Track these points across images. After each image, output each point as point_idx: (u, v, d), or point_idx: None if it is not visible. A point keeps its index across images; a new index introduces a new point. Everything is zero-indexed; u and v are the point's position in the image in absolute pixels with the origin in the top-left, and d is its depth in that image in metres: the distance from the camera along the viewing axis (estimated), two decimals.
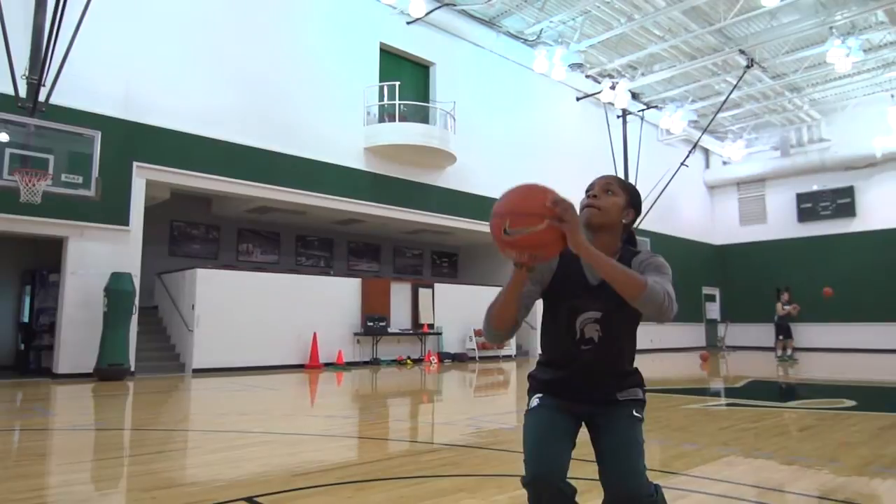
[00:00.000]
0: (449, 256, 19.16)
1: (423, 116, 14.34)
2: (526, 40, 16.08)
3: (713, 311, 24.46)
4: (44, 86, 8.58)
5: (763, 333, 21.47)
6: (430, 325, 14.35)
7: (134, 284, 9.73)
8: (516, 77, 16.63)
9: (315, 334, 12.23)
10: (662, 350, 20.24)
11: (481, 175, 15.36)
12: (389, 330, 13.45)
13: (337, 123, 13.03)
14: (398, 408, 6.87)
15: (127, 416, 6.08)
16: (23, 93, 8.46)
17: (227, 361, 11.01)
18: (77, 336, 9.49)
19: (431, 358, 13.91)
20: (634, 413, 1.83)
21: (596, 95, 17.95)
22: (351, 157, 13.28)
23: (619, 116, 19.37)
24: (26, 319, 11.41)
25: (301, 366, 12.00)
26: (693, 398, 7.39)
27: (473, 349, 14.83)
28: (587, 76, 18.06)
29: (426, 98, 14.94)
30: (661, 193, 19.33)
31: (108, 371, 9.15)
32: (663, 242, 20.50)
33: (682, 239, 22.83)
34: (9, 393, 7.85)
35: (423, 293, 14.53)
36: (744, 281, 23.85)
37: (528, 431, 1.83)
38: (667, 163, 20.26)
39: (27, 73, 8.50)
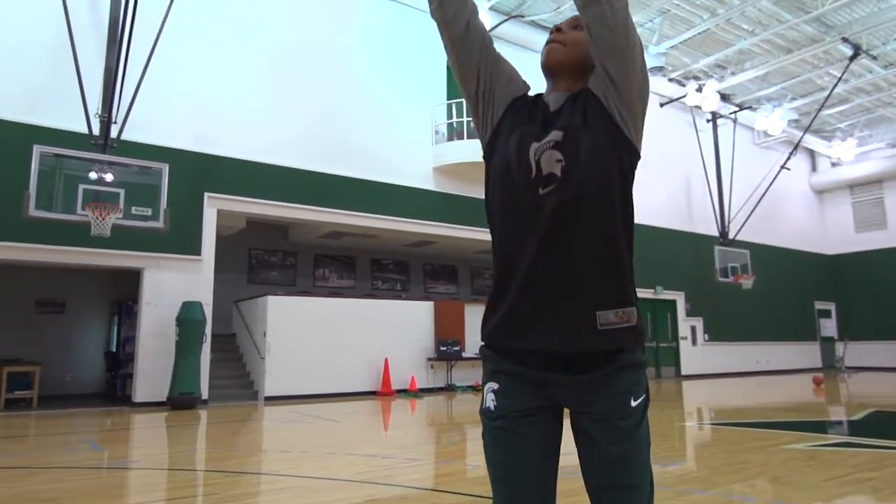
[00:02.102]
0: None
1: None
2: None
3: (829, 328, 22.11)
4: (115, 123, 8.90)
5: (889, 352, 19.14)
6: None
7: (204, 313, 9.82)
8: None
9: (387, 360, 11.94)
10: (771, 372, 18.46)
11: None
12: (464, 354, 12.95)
13: (405, 145, 12.84)
14: (449, 441, 6.34)
15: (161, 451, 5.93)
16: (96, 131, 8.80)
17: (298, 389, 10.90)
18: (153, 365, 9.66)
19: None
20: (633, 402, 1.27)
21: (681, 100, 16.82)
22: (420, 177, 13.03)
23: (708, 121, 18.12)
24: (114, 348, 11.87)
25: (373, 392, 11.72)
26: (798, 434, 6.35)
27: None
28: (670, 80, 16.96)
29: None
30: (759, 200, 17.82)
31: (180, 400, 9.23)
32: (766, 254, 18.81)
33: (788, 250, 20.87)
34: (81, 422, 8.02)
35: None
36: (863, 293, 21.41)
37: (489, 463, 1.34)
38: (766, 167, 18.72)
39: (99, 112, 8.84)
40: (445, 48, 1.53)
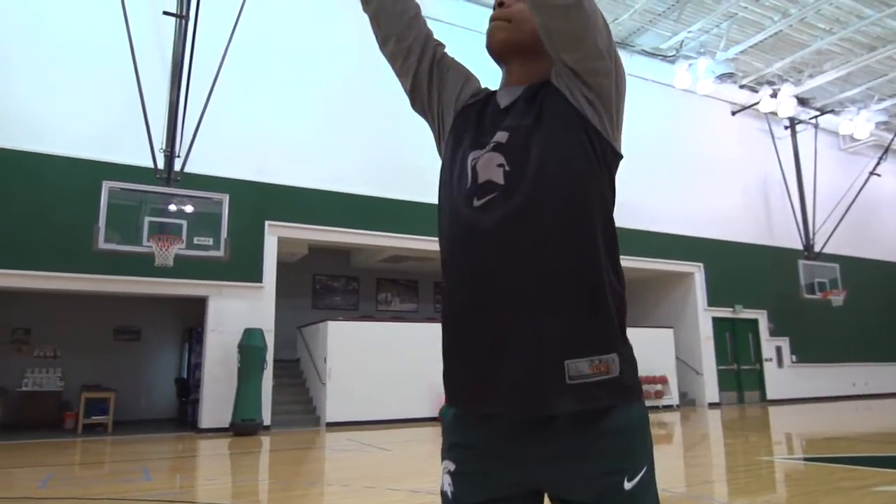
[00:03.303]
0: None
1: None
2: (664, 56, 14.77)
3: None
4: (178, 157, 9.25)
5: None
6: None
7: (265, 340, 9.96)
8: (657, 97, 15.27)
9: None
10: (869, 396, 16.94)
11: (621, 207, 14.02)
12: None
13: None
14: None
15: (201, 483, 5.93)
16: (161, 165, 9.17)
17: (359, 415, 10.84)
18: (217, 391, 9.86)
19: None
20: (626, 483, 0.98)
21: (755, 106, 15.92)
22: None
23: (786, 127, 17.07)
24: (184, 374, 12.25)
25: (434, 419, 11.51)
26: (893, 474, 5.65)
27: None
28: (741, 86, 16.11)
29: None
30: (847, 210, 16.56)
31: (242, 426, 9.34)
32: (858, 268, 17.39)
33: (883, 262, 19.23)
34: (145, 449, 8.22)
35: None
36: None
37: None
38: (853, 174, 17.44)
39: (164, 147, 9.22)
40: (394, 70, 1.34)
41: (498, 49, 1.18)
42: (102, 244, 8.32)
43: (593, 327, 1.02)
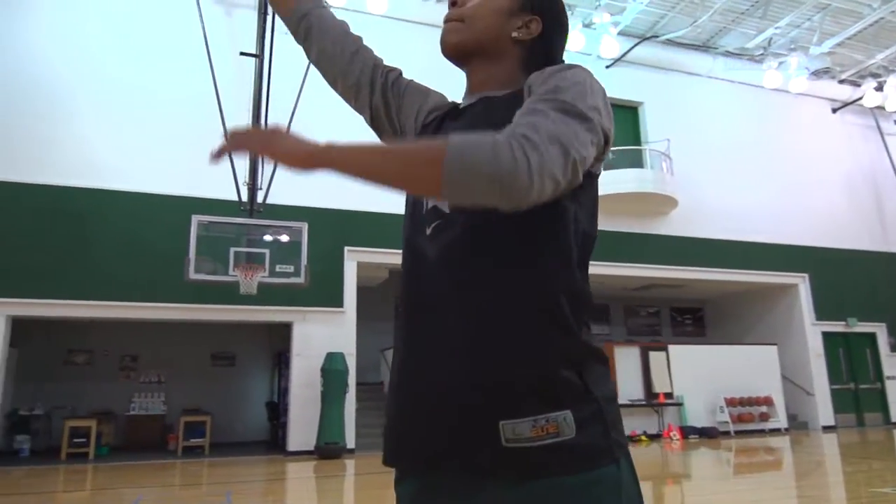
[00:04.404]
0: (692, 312, 16.90)
1: (633, 161, 13.11)
2: (752, 56, 13.97)
3: None
4: (260, 189, 9.68)
5: None
6: (668, 395, 12.50)
7: (346, 364, 10.13)
8: (745, 100, 14.46)
9: None
10: None
11: (715, 217, 13.39)
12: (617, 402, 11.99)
13: None
14: None
15: None
16: (244, 197, 9.62)
17: None
18: (304, 414, 10.10)
19: (672, 433, 12.01)
20: None
21: (857, 102, 14.70)
22: None
23: None
24: (275, 398, 12.67)
25: None
26: None
27: (726, 422, 12.47)
28: (841, 81, 14.94)
29: (637, 141, 13.71)
30: None
31: (326, 449, 9.49)
32: None
33: None
34: (234, 471, 8.52)
35: (656, 357, 12.80)
36: None
37: None
38: None
39: (247, 180, 9.68)
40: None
41: (450, 53, 1.07)
42: (193, 275, 8.78)
43: (543, 377, 0.85)
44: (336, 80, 1.24)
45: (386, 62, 1.26)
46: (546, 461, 0.82)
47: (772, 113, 14.68)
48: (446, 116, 1.10)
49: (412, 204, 1.02)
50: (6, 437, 10.51)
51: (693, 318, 16.86)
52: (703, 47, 13.89)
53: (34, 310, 9.34)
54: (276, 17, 1.22)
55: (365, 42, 1.27)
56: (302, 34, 1.25)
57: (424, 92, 1.20)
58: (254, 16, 9.78)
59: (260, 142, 0.87)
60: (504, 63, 1.04)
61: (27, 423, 10.90)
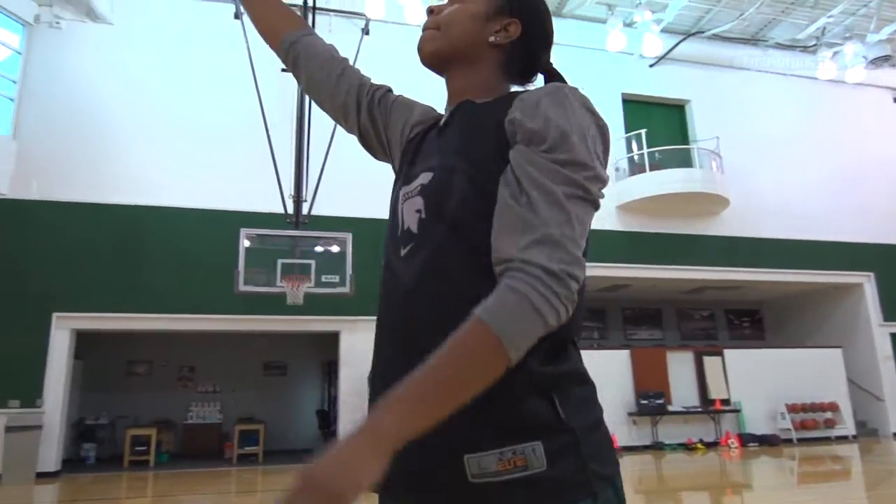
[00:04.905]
0: (750, 314, 16.29)
1: (681, 160, 12.79)
2: (804, 47, 13.45)
3: None
4: (305, 201, 9.88)
5: None
6: (725, 401, 12.07)
7: None
8: (798, 92, 13.92)
9: None
10: None
11: (769, 215, 12.91)
12: (670, 408, 11.67)
13: None
14: None
15: None
16: (290, 210, 9.84)
17: None
18: (353, 422, 10.15)
19: (730, 441, 11.57)
20: None
21: None
22: (603, 219, 12.35)
23: None
24: (325, 407, 12.86)
25: None
26: None
27: (788, 428, 11.94)
28: None
29: (685, 140, 13.37)
30: None
31: None
32: None
33: None
34: (284, 479, 8.66)
35: (711, 362, 12.38)
36: None
37: None
38: None
39: (292, 193, 9.89)
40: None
41: (427, 61, 1.07)
42: (242, 286, 9.03)
43: (505, 410, 0.80)
44: (325, 103, 1.24)
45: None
46: (512, 496, 0.78)
47: (827, 105, 14.08)
48: (430, 130, 1.08)
49: (391, 226, 1.01)
50: (73, 446, 11.01)
51: (751, 321, 16.25)
52: (752, 40, 13.45)
53: (94, 323, 9.79)
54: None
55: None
56: (291, 62, 1.26)
57: (410, 106, 1.18)
58: None
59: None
60: (482, 69, 1.02)
61: (93, 432, 11.40)
